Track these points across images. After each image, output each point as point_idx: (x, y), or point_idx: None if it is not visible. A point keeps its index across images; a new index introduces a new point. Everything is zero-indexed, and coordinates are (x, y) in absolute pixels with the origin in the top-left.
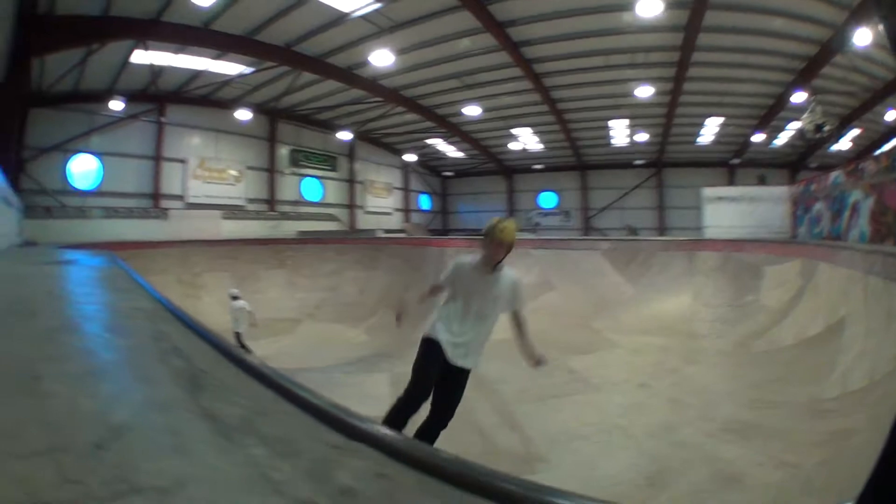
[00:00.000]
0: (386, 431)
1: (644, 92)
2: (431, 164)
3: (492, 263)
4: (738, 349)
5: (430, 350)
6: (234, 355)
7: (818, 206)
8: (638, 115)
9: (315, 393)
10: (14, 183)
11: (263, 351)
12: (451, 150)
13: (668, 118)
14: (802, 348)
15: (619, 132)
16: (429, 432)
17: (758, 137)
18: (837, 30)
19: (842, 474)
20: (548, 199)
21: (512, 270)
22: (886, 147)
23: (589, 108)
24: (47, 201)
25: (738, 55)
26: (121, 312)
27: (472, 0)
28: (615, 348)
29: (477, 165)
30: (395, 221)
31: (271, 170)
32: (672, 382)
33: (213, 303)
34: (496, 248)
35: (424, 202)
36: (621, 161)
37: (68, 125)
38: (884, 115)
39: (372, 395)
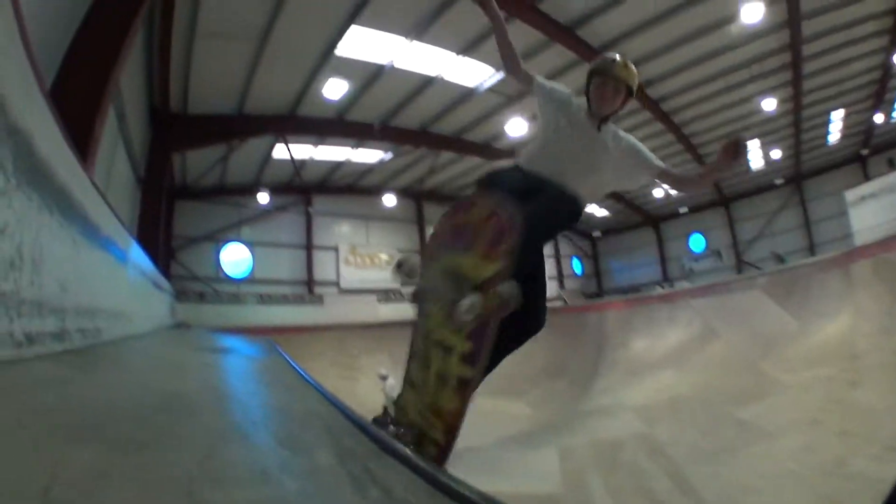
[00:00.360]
0: None
1: (768, 105)
2: (579, 227)
3: (603, 114)
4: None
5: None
6: (431, 475)
7: None
8: (767, 130)
9: None
10: (165, 269)
11: None
12: (596, 209)
13: (796, 126)
14: None
15: (754, 154)
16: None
17: (879, 118)
18: None
19: None
20: (696, 242)
21: (622, 132)
22: None
23: (721, 136)
24: (199, 287)
25: (841, 34)
26: (293, 417)
27: (590, 53)
28: (784, 389)
29: (623, 220)
30: (550, 289)
31: (422, 251)
32: (840, 414)
33: (370, 384)
34: (612, 91)
35: (577, 266)
36: (761, 185)
37: (217, 216)
38: None
39: (540, 471)
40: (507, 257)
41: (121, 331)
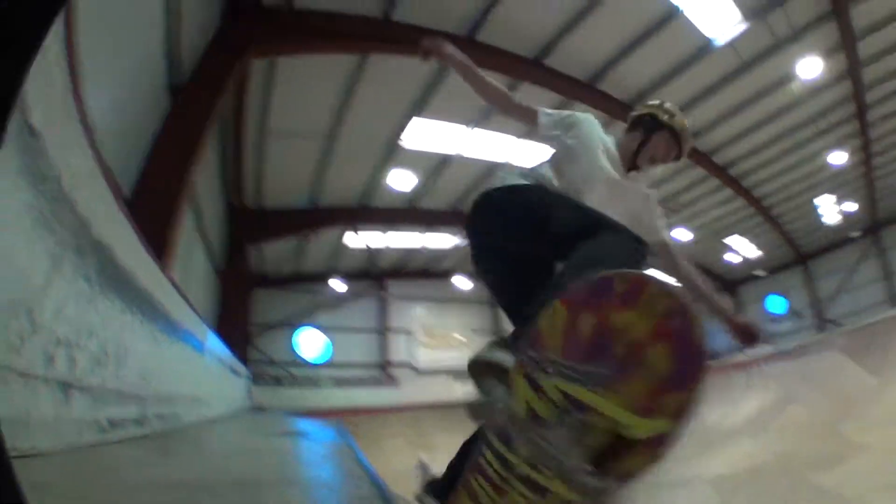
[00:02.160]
0: None
1: (838, 158)
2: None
3: (633, 162)
4: None
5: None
6: None
7: None
8: (839, 184)
9: None
10: (242, 355)
11: None
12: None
13: (868, 176)
14: None
15: (828, 209)
16: None
17: None
18: None
19: None
20: (775, 304)
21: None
22: None
23: (792, 195)
24: (276, 370)
25: None
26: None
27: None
28: (864, 451)
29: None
30: None
31: (495, 332)
32: None
33: (444, 460)
34: (665, 143)
35: None
36: (837, 240)
37: (292, 303)
38: None
39: None
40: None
41: (198, 415)
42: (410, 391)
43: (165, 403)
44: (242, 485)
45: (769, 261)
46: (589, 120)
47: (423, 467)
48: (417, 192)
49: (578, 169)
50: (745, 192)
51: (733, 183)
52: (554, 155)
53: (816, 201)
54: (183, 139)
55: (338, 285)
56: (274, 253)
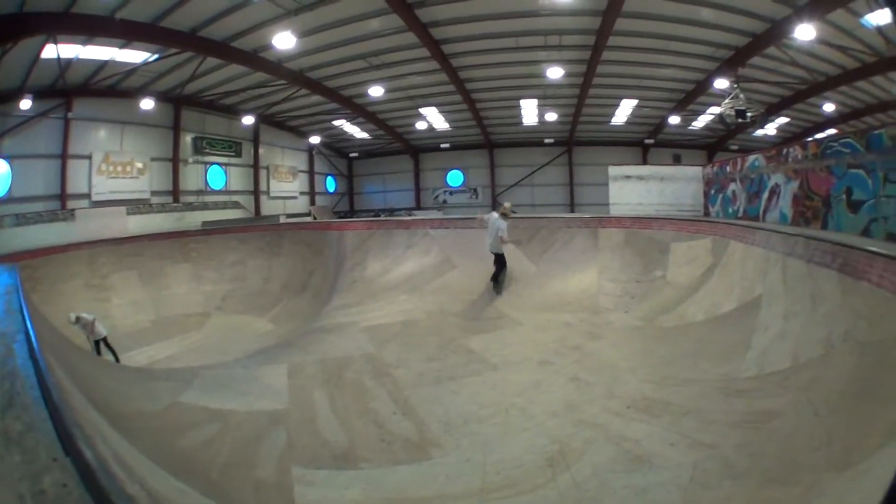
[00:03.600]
0: None
1: (555, 73)
2: (337, 146)
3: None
4: (645, 324)
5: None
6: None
7: (734, 187)
8: (549, 95)
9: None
10: None
11: (171, 350)
12: (356, 132)
13: (581, 99)
14: (714, 325)
15: (529, 111)
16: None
17: (674, 119)
18: (775, 23)
19: (767, 460)
20: (455, 178)
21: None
22: (818, 136)
23: (498, 87)
24: None
25: (660, 41)
26: None
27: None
28: (517, 326)
29: (383, 146)
30: (301, 205)
31: (175, 159)
32: (575, 360)
33: (123, 304)
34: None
35: (330, 184)
36: (531, 140)
37: None
38: (820, 106)
39: (270, 387)
40: None
41: None
42: (86, 226)
43: None
44: None
45: (456, 137)
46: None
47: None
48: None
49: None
50: (452, 71)
51: (443, 59)
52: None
53: (521, 102)
54: None
55: (25, 104)
56: None
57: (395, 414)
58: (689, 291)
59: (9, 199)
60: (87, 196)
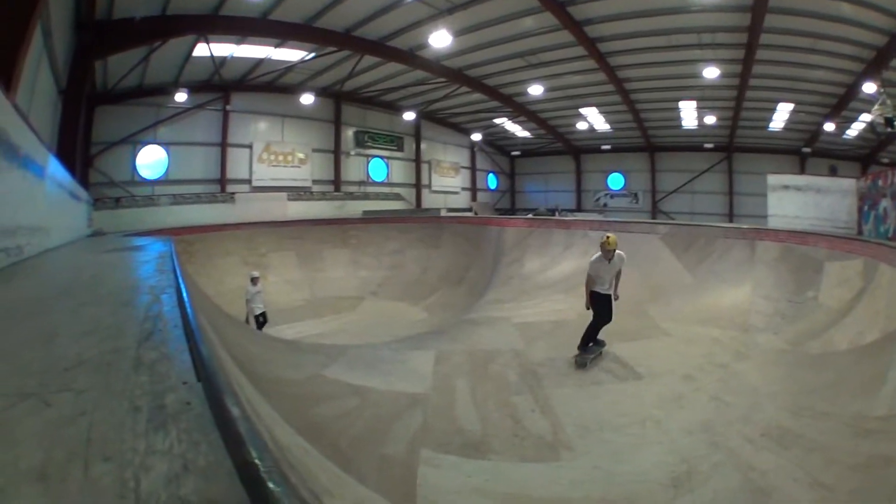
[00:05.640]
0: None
1: (711, 73)
2: (499, 144)
3: (607, 258)
4: (792, 348)
5: (595, 296)
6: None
7: (884, 203)
8: (707, 97)
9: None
10: (83, 178)
11: (323, 328)
12: (518, 130)
13: (738, 101)
14: (856, 355)
15: (689, 114)
16: (594, 328)
17: (829, 126)
18: None
19: None
20: (616, 181)
21: (621, 253)
22: None
23: (656, 88)
24: (117, 192)
25: (808, 39)
26: (140, 291)
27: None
28: (665, 337)
29: (545, 145)
30: (462, 201)
31: (337, 151)
32: (718, 378)
33: (279, 282)
34: (606, 252)
35: (492, 181)
36: (691, 144)
37: (135, 119)
38: None
39: (415, 371)
40: None
41: (39, 245)
42: (246, 209)
43: (8, 237)
44: (62, 291)
45: (617, 139)
46: (594, 260)
47: (253, 280)
48: (273, 2)
49: (598, 277)
50: (609, 70)
51: (600, 58)
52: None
53: (680, 104)
54: None
55: (181, 97)
56: (120, 65)
57: (534, 411)
58: (838, 316)
59: (166, 181)
60: (248, 181)
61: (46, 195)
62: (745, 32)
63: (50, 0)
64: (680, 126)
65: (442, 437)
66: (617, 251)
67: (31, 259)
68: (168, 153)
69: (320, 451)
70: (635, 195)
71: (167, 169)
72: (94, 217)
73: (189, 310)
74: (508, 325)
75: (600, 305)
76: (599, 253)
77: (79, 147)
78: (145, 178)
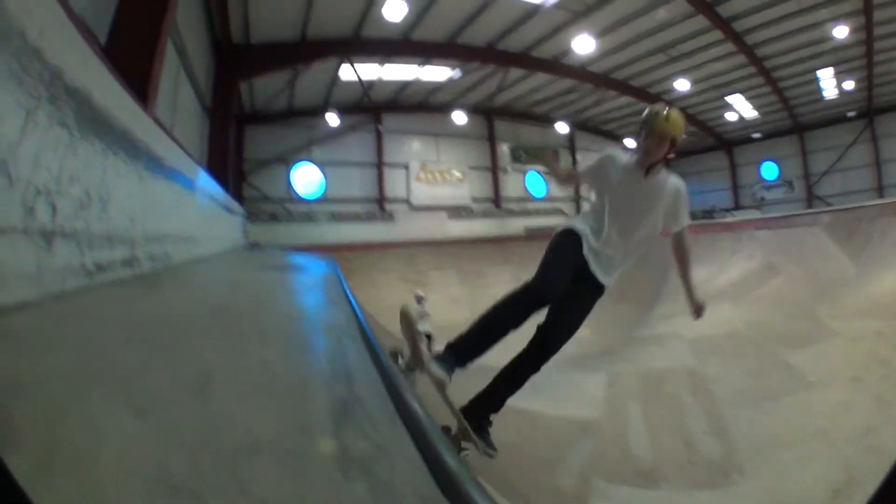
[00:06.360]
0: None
1: (840, 32)
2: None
3: (647, 164)
4: None
5: (567, 244)
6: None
7: None
8: (840, 59)
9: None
10: (237, 192)
11: None
12: None
13: (869, 57)
14: None
15: (827, 83)
16: (532, 358)
17: None
18: None
19: None
20: (769, 170)
21: (676, 178)
22: None
23: (793, 61)
24: (272, 208)
25: None
26: (323, 330)
27: None
28: (833, 337)
29: (696, 143)
30: None
31: (493, 168)
32: (881, 376)
33: (439, 300)
34: (656, 143)
35: None
36: (834, 116)
37: (287, 139)
38: None
39: (585, 394)
40: None
41: (190, 253)
42: (405, 227)
43: (155, 243)
44: (222, 313)
45: (765, 124)
46: (609, 155)
47: (419, 300)
48: (414, 23)
49: (610, 195)
50: (748, 50)
51: (736, 39)
52: (592, 204)
53: (819, 73)
54: None
55: (332, 119)
56: (266, 88)
57: (706, 434)
58: None
59: (324, 200)
60: (406, 200)
61: (197, 206)
62: None
63: (180, 21)
64: (821, 98)
65: (614, 465)
66: (670, 177)
67: (179, 266)
68: (324, 172)
69: (490, 481)
70: (790, 183)
71: (324, 188)
72: (250, 230)
73: (397, 383)
74: (679, 340)
75: (572, 268)
76: (628, 154)
77: (230, 163)
78: (300, 196)
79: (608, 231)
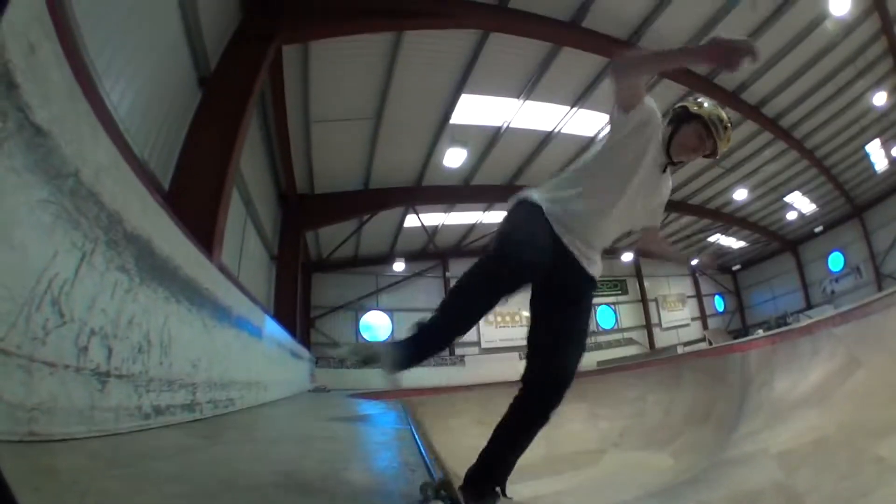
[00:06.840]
0: None
1: (879, 99)
2: (718, 263)
3: (667, 155)
4: None
5: (534, 219)
6: None
7: None
8: (885, 126)
9: None
10: (304, 338)
11: (562, 485)
12: (732, 242)
13: None
14: None
15: (877, 155)
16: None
17: None
18: None
19: None
20: (835, 261)
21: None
22: None
23: (842, 143)
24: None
25: None
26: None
27: (699, 81)
28: None
29: (761, 249)
30: (693, 332)
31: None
32: None
33: None
34: (697, 150)
35: (719, 304)
36: (889, 187)
37: (354, 286)
38: None
39: None
40: None
41: (254, 399)
42: (476, 370)
43: (219, 389)
44: (285, 478)
45: (825, 215)
46: (659, 122)
47: None
48: (471, 169)
49: (628, 178)
50: (797, 143)
51: (785, 135)
52: (613, 156)
53: (867, 148)
54: (217, 130)
55: (398, 266)
56: (333, 236)
57: None
58: None
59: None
60: (477, 344)
61: (263, 353)
62: (882, 36)
63: (246, 173)
64: (874, 173)
65: None
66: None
67: (243, 412)
68: (391, 318)
69: None
70: (857, 269)
71: (392, 333)
72: (317, 374)
73: None
74: (766, 457)
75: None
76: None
77: (298, 310)
78: (370, 342)
79: (609, 212)
